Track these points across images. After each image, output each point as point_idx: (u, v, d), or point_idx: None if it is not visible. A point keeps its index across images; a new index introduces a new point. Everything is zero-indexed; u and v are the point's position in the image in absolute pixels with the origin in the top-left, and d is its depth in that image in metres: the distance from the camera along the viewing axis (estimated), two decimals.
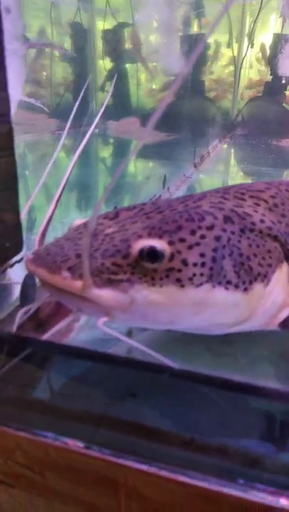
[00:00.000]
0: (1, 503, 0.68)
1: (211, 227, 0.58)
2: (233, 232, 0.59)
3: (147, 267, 0.54)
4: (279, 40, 3.38)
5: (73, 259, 0.54)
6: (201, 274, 0.54)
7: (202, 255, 0.55)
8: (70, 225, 0.66)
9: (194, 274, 0.54)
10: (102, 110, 0.86)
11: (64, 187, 0.65)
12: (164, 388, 0.62)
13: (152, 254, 0.54)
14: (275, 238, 0.62)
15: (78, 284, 0.52)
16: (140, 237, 0.56)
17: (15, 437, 0.61)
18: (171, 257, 0.54)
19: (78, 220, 0.66)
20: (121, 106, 3.51)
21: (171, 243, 0.55)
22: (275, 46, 3.42)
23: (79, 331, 0.79)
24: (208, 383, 0.56)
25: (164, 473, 0.56)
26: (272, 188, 0.72)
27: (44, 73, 3.38)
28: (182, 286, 0.54)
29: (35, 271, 0.55)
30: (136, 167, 2.74)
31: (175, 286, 0.54)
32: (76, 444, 0.59)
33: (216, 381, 0.55)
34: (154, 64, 3.71)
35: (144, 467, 0.57)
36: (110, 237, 0.58)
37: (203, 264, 0.55)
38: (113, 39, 3.47)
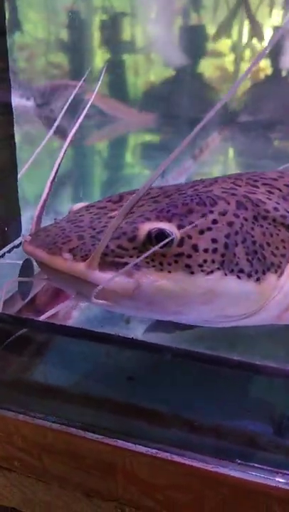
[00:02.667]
0: None
1: (223, 212, 0.56)
2: (246, 219, 0.56)
3: (155, 251, 0.51)
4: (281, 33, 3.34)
5: (75, 241, 0.52)
6: (213, 261, 0.52)
7: (214, 241, 0.53)
8: (70, 208, 0.64)
9: (205, 261, 0.52)
10: (93, 96, 0.83)
11: (58, 168, 0.63)
12: (161, 369, 0.62)
13: (161, 237, 0.51)
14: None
15: (80, 266, 0.49)
16: (148, 219, 0.54)
17: (13, 421, 0.61)
18: (181, 242, 0.52)
19: (80, 204, 0.64)
20: (118, 97, 3.49)
21: (181, 227, 0.53)
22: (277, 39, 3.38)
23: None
24: (207, 362, 0.56)
25: (162, 455, 0.56)
26: (285, 176, 0.70)
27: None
28: (192, 272, 0.51)
29: (34, 252, 0.53)
30: (133, 158, 2.72)
31: (184, 272, 0.51)
32: (74, 428, 0.59)
33: (215, 360, 0.55)
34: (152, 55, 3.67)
35: (142, 450, 0.57)
36: (110, 218, 0.55)
37: (214, 251, 0.52)
38: (111, 29, 3.43)
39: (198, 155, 2.27)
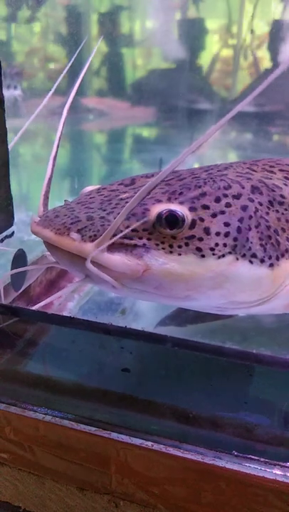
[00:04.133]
0: None
1: (237, 196, 0.54)
2: (260, 203, 0.55)
3: (165, 233, 0.50)
4: (280, 26, 3.31)
5: (84, 221, 0.51)
6: (225, 245, 0.51)
7: (226, 224, 0.52)
8: (81, 192, 0.63)
9: (217, 244, 0.50)
10: (78, 82, 0.81)
11: (58, 148, 0.62)
12: (157, 360, 0.60)
13: (171, 219, 0.50)
14: None
15: (88, 246, 0.48)
16: (159, 201, 0.52)
17: (4, 413, 0.59)
18: (193, 225, 0.51)
19: (90, 187, 0.63)
20: (116, 89, 3.46)
21: (192, 209, 0.51)
22: (276, 33, 3.35)
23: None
24: (203, 351, 0.54)
25: (156, 447, 0.55)
26: None
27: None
28: (203, 256, 0.50)
29: (41, 233, 0.51)
30: (127, 153, 2.70)
31: (195, 255, 0.50)
32: (67, 420, 0.58)
33: (210, 349, 0.54)
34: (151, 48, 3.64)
35: (137, 442, 0.55)
36: (126, 202, 0.54)
37: (227, 234, 0.51)
38: (109, 23, 3.39)
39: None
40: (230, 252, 0.51)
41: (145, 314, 0.79)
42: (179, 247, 0.50)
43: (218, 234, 0.51)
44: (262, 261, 0.52)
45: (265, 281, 0.53)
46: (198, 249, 0.50)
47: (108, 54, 3.61)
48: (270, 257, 0.52)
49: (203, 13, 3.54)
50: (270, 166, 0.66)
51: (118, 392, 0.58)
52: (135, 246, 0.50)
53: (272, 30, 3.45)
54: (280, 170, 0.65)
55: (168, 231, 0.50)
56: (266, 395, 0.55)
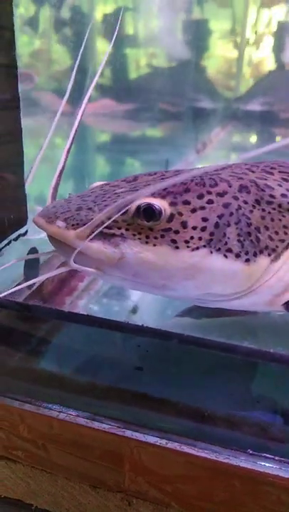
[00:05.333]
0: (2, 479, 0.67)
1: (222, 194, 0.56)
2: (246, 202, 0.57)
3: (143, 224, 0.53)
4: (284, 27, 3.31)
5: (72, 212, 0.55)
6: (200, 238, 0.53)
7: (205, 220, 0.54)
8: (90, 187, 0.65)
9: (192, 238, 0.53)
10: (93, 85, 0.82)
11: (73, 140, 0.63)
12: (170, 358, 0.61)
13: (148, 211, 0.53)
14: None
15: (70, 233, 0.53)
16: (144, 196, 0.55)
17: (18, 410, 0.59)
18: (170, 218, 0.53)
19: (99, 182, 0.66)
20: (120, 90, 3.47)
21: (173, 204, 0.54)
22: (280, 34, 3.36)
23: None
24: (218, 349, 0.55)
25: (170, 445, 0.55)
26: None
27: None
28: (176, 247, 0.53)
29: (37, 221, 0.56)
30: (131, 154, 2.71)
31: (169, 247, 0.53)
32: (81, 417, 0.58)
33: (225, 347, 0.54)
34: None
35: (151, 440, 0.56)
36: (117, 196, 0.57)
37: (203, 229, 0.54)
38: (113, 23, 3.40)
39: (201, 149, 2.26)
40: (204, 246, 0.53)
41: (155, 314, 0.79)
42: (155, 238, 0.53)
43: (194, 228, 0.53)
44: (237, 256, 0.54)
45: (239, 275, 0.55)
46: (173, 241, 0.53)
47: (112, 55, 3.63)
48: (246, 253, 0.54)
49: (208, 14, 3.55)
50: (271, 168, 0.67)
51: (132, 390, 0.59)
52: (114, 235, 0.53)
53: (276, 32, 3.46)
54: (280, 172, 0.66)
55: (145, 223, 0.53)
56: (279, 393, 0.55)
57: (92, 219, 0.53)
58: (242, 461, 0.53)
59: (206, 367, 0.58)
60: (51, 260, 0.79)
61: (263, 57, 3.74)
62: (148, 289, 0.61)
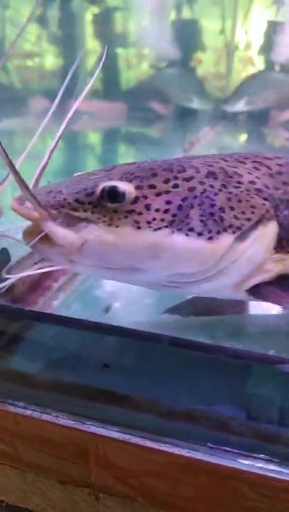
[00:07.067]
0: None
1: (188, 179, 0.58)
2: (212, 186, 0.59)
3: (107, 206, 0.55)
4: (274, 27, 3.33)
5: (44, 195, 0.56)
6: (162, 220, 0.55)
7: (168, 202, 0.56)
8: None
9: (154, 219, 0.55)
10: (87, 88, 0.83)
11: (60, 138, 0.65)
12: (136, 355, 0.61)
13: (112, 193, 0.54)
14: (265, 200, 0.61)
15: (35, 214, 0.54)
16: (111, 179, 0.57)
17: None
18: (135, 200, 0.55)
19: (78, 173, 0.67)
20: (110, 90, 3.47)
21: (139, 187, 0.56)
22: (269, 34, 3.37)
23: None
24: (180, 347, 0.56)
25: (134, 440, 0.56)
26: (284, 158, 0.70)
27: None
28: (139, 228, 0.54)
29: (11, 204, 0.57)
30: (121, 153, 2.72)
31: (132, 227, 0.54)
32: (46, 414, 0.59)
33: (187, 344, 0.55)
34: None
35: (115, 435, 0.56)
36: (88, 180, 0.58)
37: (166, 211, 0.55)
38: (103, 23, 3.40)
39: (188, 149, 2.27)
40: (166, 226, 0.55)
41: (128, 313, 0.80)
42: (118, 219, 0.55)
43: (157, 210, 0.55)
44: (200, 234, 0.56)
45: (203, 252, 0.56)
46: (136, 222, 0.55)
47: (102, 54, 3.63)
48: (209, 231, 0.56)
49: (198, 14, 3.56)
50: (245, 158, 0.68)
51: (97, 386, 0.59)
52: (79, 219, 0.55)
53: (266, 31, 3.47)
54: (253, 161, 0.67)
55: (109, 204, 0.55)
56: (239, 388, 0.56)
57: (58, 200, 0.55)
58: (203, 455, 0.54)
59: (170, 363, 0.59)
60: (24, 261, 0.79)
61: (253, 57, 3.74)
62: (120, 277, 0.62)
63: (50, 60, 3.62)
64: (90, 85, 0.88)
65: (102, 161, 2.75)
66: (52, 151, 0.68)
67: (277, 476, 0.51)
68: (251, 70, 3.68)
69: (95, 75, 0.88)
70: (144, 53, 3.76)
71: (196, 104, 3.47)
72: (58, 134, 0.70)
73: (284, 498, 0.53)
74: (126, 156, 2.78)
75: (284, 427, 0.52)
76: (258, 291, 0.62)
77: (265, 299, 0.62)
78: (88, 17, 3.56)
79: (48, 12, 3.37)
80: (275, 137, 3.32)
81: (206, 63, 3.87)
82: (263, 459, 0.51)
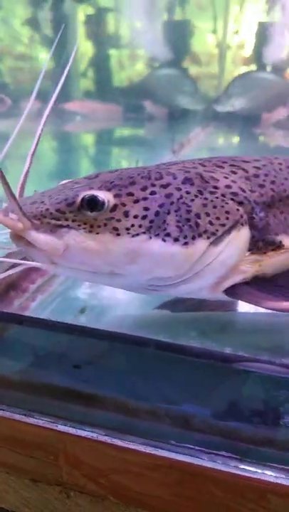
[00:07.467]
0: None
1: (165, 186, 0.60)
2: (188, 192, 0.60)
3: (87, 215, 0.57)
4: (265, 28, 3.35)
5: (28, 205, 0.58)
6: (140, 226, 0.57)
7: (146, 209, 0.58)
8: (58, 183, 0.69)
9: (132, 225, 0.57)
10: (59, 86, 0.83)
11: (39, 139, 0.66)
12: (109, 356, 0.62)
13: (91, 202, 0.57)
14: (240, 204, 0.63)
15: (19, 225, 0.56)
16: (91, 188, 0.59)
17: None
18: (114, 208, 0.57)
19: (65, 181, 0.69)
20: (103, 91, 3.49)
21: (117, 196, 0.58)
22: (261, 34, 3.39)
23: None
24: (145, 346, 0.57)
25: (101, 438, 0.57)
26: (262, 160, 0.72)
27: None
28: (118, 234, 0.56)
29: None
30: (112, 156, 2.73)
31: (111, 234, 0.57)
32: (16, 413, 0.60)
33: (151, 344, 0.56)
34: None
35: (82, 434, 0.57)
36: (71, 190, 0.60)
37: (144, 217, 0.57)
38: (95, 24, 3.41)
39: (177, 150, 2.28)
40: (144, 232, 0.57)
41: (105, 314, 0.81)
42: (98, 226, 0.57)
43: (136, 217, 0.57)
44: (176, 240, 0.58)
45: (179, 257, 0.58)
46: (115, 229, 0.57)
47: (95, 56, 3.64)
48: (185, 237, 0.58)
49: (190, 15, 3.57)
50: (223, 162, 0.69)
51: (66, 387, 0.60)
52: (60, 226, 0.57)
53: (257, 32, 3.49)
54: (230, 165, 0.69)
55: (89, 213, 0.57)
56: (202, 386, 0.57)
57: (40, 210, 0.57)
58: (168, 452, 0.55)
59: (135, 363, 0.60)
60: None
61: (244, 57, 3.75)
62: (101, 280, 0.64)
63: (43, 62, 3.63)
64: (59, 87, 0.88)
65: (95, 162, 2.76)
66: (33, 155, 0.70)
67: (239, 473, 0.52)
68: (243, 70, 3.69)
69: (66, 71, 0.88)
70: (136, 54, 3.77)
71: (189, 104, 3.48)
72: (36, 138, 0.71)
73: (247, 494, 0.54)
74: (118, 157, 2.79)
75: (244, 423, 0.53)
76: (234, 292, 0.64)
77: (242, 299, 0.64)
78: (80, 18, 3.57)
79: (40, 14, 3.38)
80: (268, 137, 3.33)
81: (199, 63, 3.89)
82: (224, 456, 0.52)
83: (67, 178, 0.70)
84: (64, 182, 0.68)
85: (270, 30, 3.39)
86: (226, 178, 0.65)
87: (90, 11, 3.51)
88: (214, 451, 0.52)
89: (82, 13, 3.49)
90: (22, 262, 0.63)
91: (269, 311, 0.61)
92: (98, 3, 3.51)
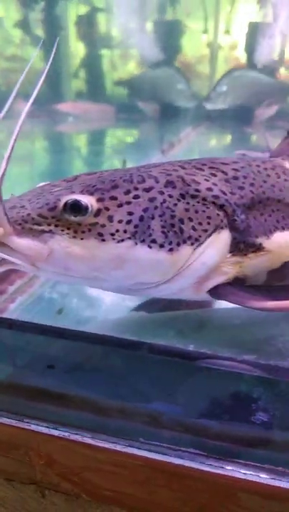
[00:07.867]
0: None
1: (148, 189, 0.60)
2: (171, 196, 0.60)
3: (70, 220, 0.56)
4: (256, 28, 3.36)
5: (7, 210, 0.57)
6: (125, 231, 0.56)
7: (130, 213, 0.57)
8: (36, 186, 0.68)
9: (117, 230, 0.56)
10: (39, 85, 0.83)
11: (15, 140, 0.66)
12: (84, 356, 0.63)
13: (75, 207, 0.56)
14: (221, 207, 0.63)
15: (1, 230, 0.55)
16: (73, 192, 0.58)
17: None
18: (97, 213, 0.56)
19: (42, 183, 0.68)
20: (95, 92, 3.49)
21: (100, 200, 0.57)
22: (252, 34, 3.40)
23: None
24: (111, 345, 0.58)
25: (73, 437, 0.57)
26: (241, 162, 0.72)
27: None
28: (103, 240, 0.56)
29: None
30: (98, 156, 2.74)
31: (96, 239, 0.56)
32: None
33: (116, 342, 0.57)
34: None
35: (54, 433, 0.58)
36: (51, 194, 0.59)
37: (128, 222, 0.57)
38: (87, 24, 3.42)
39: (166, 150, 2.29)
40: (129, 238, 0.56)
41: (81, 314, 0.82)
42: (82, 232, 0.56)
43: (120, 221, 0.56)
44: (161, 246, 0.57)
45: (164, 264, 0.58)
46: (100, 234, 0.56)
47: (86, 56, 3.64)
48: (170, 243, 0.58)
49: (180, 15, 3.58)
50: (202, 164, 0.69)
51: (38, 386, 0.61)
52: (43, 231, 0.56)
53: (248, 32, 3.50)
54: (210, 167, 0.69)
55: (72, 218, 0.56)
56: (170, 384, 0.58)
57: (22, 216, 0.56)
58: (138, 451, 0.55)
59: (107, 362, 0.61)
60: None
61: (236, 57, 3.75)
62: (84, 282, 0.64)
63: (34, 63, 3.62)
64: (38, 87, 0.87)
65: (88, 163, 2.77)
66: (8, 159, 0.69)
67: (207, 469, 0.53)
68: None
69: (45, 72, 0.87)
70: (128, 54, 3.78)
71: (181, 103, 3.49)
72: (12, 141, 0.70)
73: (216, 490, 0.55)
74: (111, 158, 2.79)
75: (210, 420, 0.54)
76: (218, 292, 0.64)
77: (226, 299, 0.64)
78: (72, 18, 3.57)
79: (31, 15, 3.38)
80: (260, 136, 3.34)
81: (190, 62, 3.89)
82: (191, 453, 0.53)
83: (58, 179, 0.69)
84: (42, 184, 0.67)
85: (261, 30, 3.40)
86: (207, 180, 0.65)
87: (82, 11, 3.51)
88: (182, 448, 0.53)
89: (73, 13, 3.49)
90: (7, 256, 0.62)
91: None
92: (90, 3, 3.51)
